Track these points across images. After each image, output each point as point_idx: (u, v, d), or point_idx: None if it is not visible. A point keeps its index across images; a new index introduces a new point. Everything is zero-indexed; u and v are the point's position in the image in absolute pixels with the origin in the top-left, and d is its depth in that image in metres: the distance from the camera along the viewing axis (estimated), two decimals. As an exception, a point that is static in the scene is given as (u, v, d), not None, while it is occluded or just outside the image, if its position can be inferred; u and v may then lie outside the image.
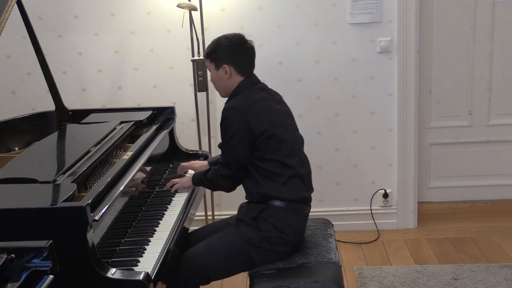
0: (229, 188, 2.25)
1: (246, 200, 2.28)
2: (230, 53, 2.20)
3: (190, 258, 2.14)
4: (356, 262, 3.18)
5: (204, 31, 3.23)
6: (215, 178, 2.23)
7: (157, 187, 2.44)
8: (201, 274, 2.12)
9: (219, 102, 3.42)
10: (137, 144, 2.33)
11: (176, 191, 2.41)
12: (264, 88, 2.27)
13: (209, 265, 2.13)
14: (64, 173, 1.89)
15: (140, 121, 2.62)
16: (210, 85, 3.34)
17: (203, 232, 2.37)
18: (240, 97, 2.18)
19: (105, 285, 1.63)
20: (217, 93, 3.34)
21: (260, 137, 2.12)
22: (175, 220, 2.13)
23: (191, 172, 2.54)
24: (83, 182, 1.97)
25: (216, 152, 3.47)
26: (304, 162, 2.26)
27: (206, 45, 3.24)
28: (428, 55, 3.52)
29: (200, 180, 2.32)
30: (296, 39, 3.35)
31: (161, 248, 1.91)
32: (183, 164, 2.59)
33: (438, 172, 3.71)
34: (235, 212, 2.38)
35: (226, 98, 2.29)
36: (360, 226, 3.58)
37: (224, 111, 2.16)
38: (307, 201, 2.24)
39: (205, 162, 2.58)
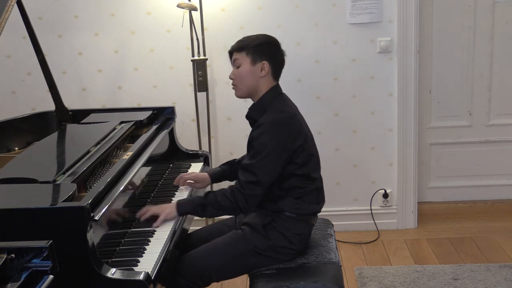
0: (247, 211, 2.10)
1: None
2: (272, 51, 2.15)
3: (192, 260, 2.13)
4: (356, 262, 3.18)
5: (204, 31, 3.24)
6: (231, 200, 2.04)
7: (157, 188, 2.44)
8: (203, 276, 2.11)
9: (219, 102, 3.43)
10: (137, 144, 2.32)
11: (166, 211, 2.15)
12: (289, 99, 2.20)
13: (211, 268, 2.11)
14: (64, 173, 1.89)
15: (140, 121, 2.62)
16: (210, 85, 3.36)
17: (202, 234, 2.36)
18: (275, 111, 2.09)
19: (105, 285, 1.63)
20: (217, 93, 3.40)
21: (296, 152, 2.08)
22: (175, 220, 2.13)
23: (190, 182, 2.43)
24: (83, 182, 1.97)
25: (216, 152, 3.47)
26: (321, 175, 2.25)
27: (206, 45, 3.26)
28: (428, 55, 3.52)
29: (195, 206, 2.12)
30: (296, 39, 3.35)
31: (161, 248, 1.91)
32: (183, 175, 2.43)
33: (438, 172, 3.71)
34: (235, 212, 2.38)
35: (239, 98, 2.21)
36: (360, 226, 3.58)
37: (261, 125, 2.05)
38: (316, 214, 2.23)
39: (206, 175, 2.45)
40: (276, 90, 2.17)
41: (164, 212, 2.11)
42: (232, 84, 2.19)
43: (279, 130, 2.05)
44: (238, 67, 2.14)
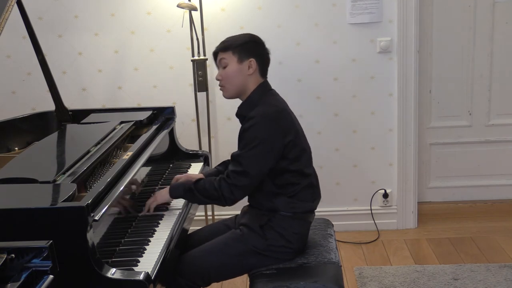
0: (232, 201, 2.08)
1: (248, 203, 2.26)
2: (258, 49, 2.16)
3: (192, 260, 2.13)
4: (356, 262, 3.18)
5: (204, 31, 3.24)
6: (217, 188, 2.06)
7: (157, 187, 2.44)
8: (203, 276, 2.11)
9: (219, 102, 3.42)
10: (137, 144, 2.32)
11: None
12: (278, 94, 2.21)
13: (212, 267, 2.12)
14: (64, 173, 1.89)
15: (140, 121, 2.62)
16: (210, 85, 3.36)
17: (202, 234, 2.36)
18: (266, 105, 2.10)
19: (105, 285, 1.63)
20: (217, 93, 3.40)
21: (287, 147, 2.08)
22: (175, 220, 2.13)
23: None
24: (83, 182, 1.97)
25: (216, 152, 3.47)
26: (314, 171, 2.25)
27: (206, 45, 3.26)
28: (428, 55, 3.52)
29: (185, 190, 2.15)
30: (296, 39, 3.35)
31: (161, 248, 1.91)
32: (178, 176, 2.38)
33: (438, 172, 3.71)
34: (235, 212, 2.38)
35: (228, 99, 2.22)
36: (360, 226, 3.58)
37: (252, 118, 2.05)
38: (312, 211, 2.23)
39: (201, 176, 2.39)
40: (265, 87, 2.18)
41: (158, 197, 2.19)
42: (220, 85, 2.20)
43: (270, 124, 2.05)
44: (224, 67, 2.15)
